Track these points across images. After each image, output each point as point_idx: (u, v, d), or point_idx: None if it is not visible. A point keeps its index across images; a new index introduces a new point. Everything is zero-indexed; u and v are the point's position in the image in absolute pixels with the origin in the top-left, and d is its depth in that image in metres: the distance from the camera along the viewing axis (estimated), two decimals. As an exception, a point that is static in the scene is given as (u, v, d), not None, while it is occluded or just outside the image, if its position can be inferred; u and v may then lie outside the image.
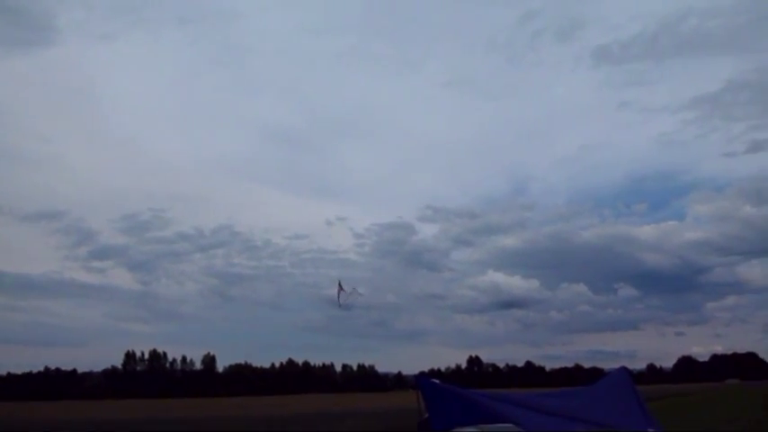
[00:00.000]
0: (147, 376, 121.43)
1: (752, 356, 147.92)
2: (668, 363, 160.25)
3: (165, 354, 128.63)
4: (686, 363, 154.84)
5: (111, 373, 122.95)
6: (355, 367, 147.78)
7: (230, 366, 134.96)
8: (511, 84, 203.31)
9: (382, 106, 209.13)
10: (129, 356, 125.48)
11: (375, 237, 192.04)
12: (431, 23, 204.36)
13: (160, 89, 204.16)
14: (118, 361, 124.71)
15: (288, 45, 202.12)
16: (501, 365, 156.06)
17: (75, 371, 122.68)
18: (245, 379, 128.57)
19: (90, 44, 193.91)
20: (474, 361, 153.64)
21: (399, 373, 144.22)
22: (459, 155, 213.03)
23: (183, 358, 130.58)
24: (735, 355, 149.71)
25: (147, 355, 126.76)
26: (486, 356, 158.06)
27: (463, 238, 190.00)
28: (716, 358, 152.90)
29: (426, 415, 7.41)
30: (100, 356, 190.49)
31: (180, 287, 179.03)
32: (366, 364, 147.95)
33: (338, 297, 9.94)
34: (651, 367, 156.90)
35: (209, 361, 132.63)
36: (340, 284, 9.93)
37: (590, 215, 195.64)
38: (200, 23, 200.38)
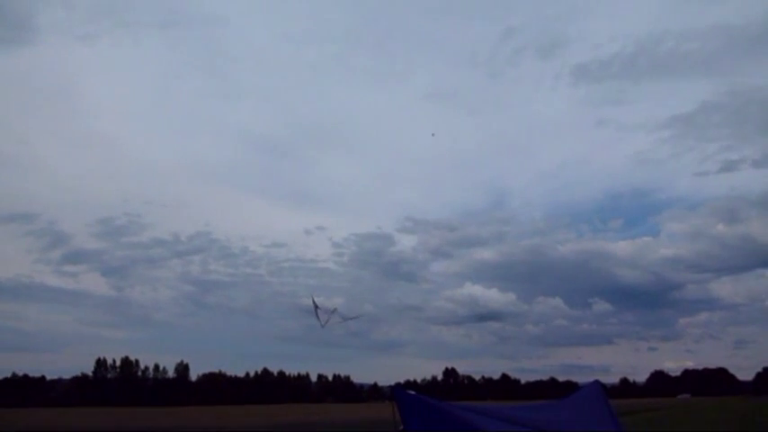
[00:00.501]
0: (117, 384, 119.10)
1: (722, 372, 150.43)
2: (641, 377, 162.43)
3: (137, 361, 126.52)
4: (659, 377, 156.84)
5: (80, 381, 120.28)
6: (331, 377, 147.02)
7: (204, 375, 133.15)
8: (491, 99, 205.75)
9: (363, 117, 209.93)
10: (100, 363, 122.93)
11: (354, 247, 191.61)
12: (414, 36, 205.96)
13: (140, 92, 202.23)
14: (88, 368, 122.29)
15: (270, 53, 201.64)
16: (477, 377, 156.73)
17: (43, 377, 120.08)
18: (218, 388, 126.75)
19: (70, 45, 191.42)
20: (450, 373, 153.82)
21: (375, 384, 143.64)
22: (439, 167, 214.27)
23: (156, 366, 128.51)
24: (706, 371, 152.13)
25: (118, 363, 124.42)
26: (463, 368, 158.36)
27: (442, 251, 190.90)
28: (687, 373, 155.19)
29: (402, 427, 7.38)
30: (70, 363, 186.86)
31: (155, 293, 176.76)
32: (342, 374, 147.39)
33: (316, 314, 9.58)
34: (624, 381, 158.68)
35: (183, 369, 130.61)
36: (314, 301, 9.58)
37: (567, 230, 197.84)
38: (182, 28, 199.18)
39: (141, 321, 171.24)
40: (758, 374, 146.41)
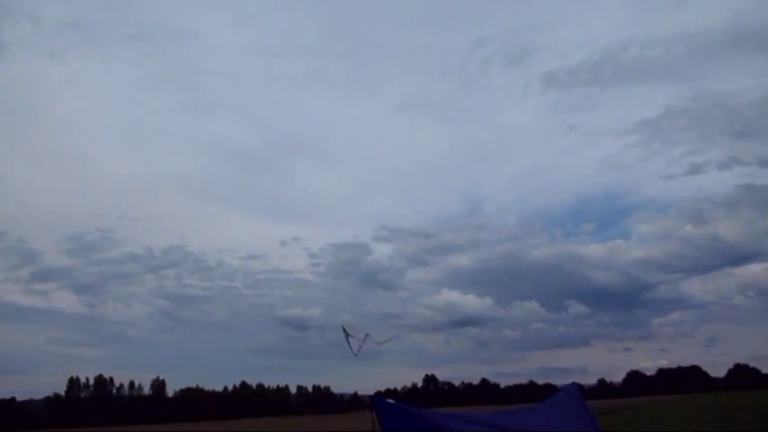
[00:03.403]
0: (92, 403, 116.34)
1: (696, 369, 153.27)
2: (618, 377, 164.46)
3: (111, 379, 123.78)
4: (635, 377, 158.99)
5: (53, 401, 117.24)
6: (310, 388, 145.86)
7: (181, 390, 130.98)
8: (463, 107, 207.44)
9: (337, 128, 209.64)
10: (73, 383, 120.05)
11: (330, 256, 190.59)
12: (386, 47, 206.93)
13: (110, 107, 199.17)
14: (61, 388, 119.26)
15: (242, 65, 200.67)
16: (457, 383, 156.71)
17: (13, 399, 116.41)
18: (196, 403, 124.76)
19: (38, 61, 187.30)
20: (430, 379, 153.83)
21: (355, 394, 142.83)
22: (414, 176, 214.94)
23: (131, 383, 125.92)
24: (680, 369, 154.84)
25: (92, 381, 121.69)
26: (442, 375, 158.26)
27: (418, 258, 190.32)
28: (662, 372, 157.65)
29: (382, 436, 7.35)
30: (41, 384, 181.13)
31: (128, 309, 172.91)
32: (321, 385, 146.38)
33: (348, 344, 9.07)
34: (602, 382, 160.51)
35: (159, 385, 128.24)
36: (345, 330, 9.09)
37: (540, 234, 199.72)
38: (152, 42, 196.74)
39: (115, 339, 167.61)
40: (730, 371, 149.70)
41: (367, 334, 9.06)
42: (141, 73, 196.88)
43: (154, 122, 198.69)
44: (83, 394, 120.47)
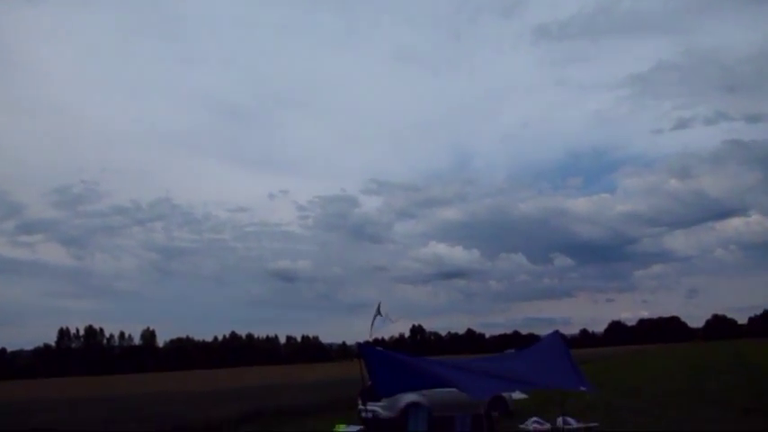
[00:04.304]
0: (82, 353, 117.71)
1: (675, 320, 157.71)
2: (599, 328, 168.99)
3: (101, 330, 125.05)
4: (616, 327, 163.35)
5: (43, 351, 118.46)
6: (299, 339, 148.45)
7: (171, 341, 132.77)
8: (454, 59, 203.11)
9: (326, 79, 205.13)
10: (63, 333, 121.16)
11: (318, 209, 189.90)
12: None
13: (93, 56, 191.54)
14: (51, 339, 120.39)
15: (229, 14, 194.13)
16: (443, 334, 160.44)
17: (4, 350, 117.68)
18: (186, 353, 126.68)
19: (13, 6, 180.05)
20: (417, 330, 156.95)
21: (344, 344, 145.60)
22: (403, 129, 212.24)
23: (122, 334, 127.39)
24: (660, 320, 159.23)
25: (82, 332, 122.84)
26: (429, 325, 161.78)
27: (406, 211, 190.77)
28: (643, 322, 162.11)
29: (369, 382, 7.53)
30: (31, 335, 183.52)
31: (117, 262, 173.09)
32: (310, 335, 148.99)
33: (372, 323, 9.04)
34: (584, 332, 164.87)
35: (149, 336, 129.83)
36: (379, 309, 9.03)
37: (528, 188, 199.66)
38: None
39: (105, 291, 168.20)
40: (708, 322, 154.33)
41: (387, 313, 9.00)
42: (126, 20, 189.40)
43: (139, 72, 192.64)
44: (73, 345, 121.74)
